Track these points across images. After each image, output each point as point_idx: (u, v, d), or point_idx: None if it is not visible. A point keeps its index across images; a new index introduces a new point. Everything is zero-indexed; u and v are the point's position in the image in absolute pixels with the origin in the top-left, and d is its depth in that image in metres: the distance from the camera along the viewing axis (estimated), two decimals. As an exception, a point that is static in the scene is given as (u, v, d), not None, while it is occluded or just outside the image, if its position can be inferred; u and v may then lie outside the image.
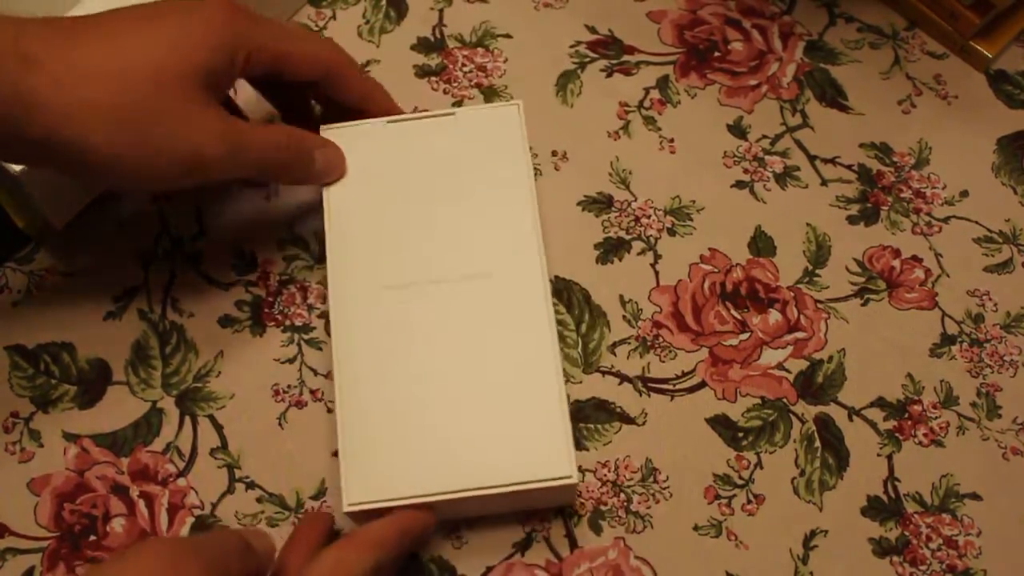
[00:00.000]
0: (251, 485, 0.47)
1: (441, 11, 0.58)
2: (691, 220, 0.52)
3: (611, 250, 0.51)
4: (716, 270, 0.51)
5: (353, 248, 0.45)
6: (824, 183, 0.53)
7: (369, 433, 0.41)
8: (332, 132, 0.47)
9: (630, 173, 0.53)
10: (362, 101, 0.46)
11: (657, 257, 0.51)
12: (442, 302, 0.43)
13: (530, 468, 0.40)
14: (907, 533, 0.46)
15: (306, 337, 0.49)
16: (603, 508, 0.46)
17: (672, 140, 0.54)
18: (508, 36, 0.57)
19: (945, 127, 0.55)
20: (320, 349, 0.49)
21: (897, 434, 0.48)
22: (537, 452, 0.40)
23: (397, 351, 0.43)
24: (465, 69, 0.56)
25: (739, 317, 0.50)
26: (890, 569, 0.45)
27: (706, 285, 0.51)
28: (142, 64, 0.38)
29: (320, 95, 0.48)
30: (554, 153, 0.54)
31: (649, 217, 0.52)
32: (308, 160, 0.44)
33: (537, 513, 0.46)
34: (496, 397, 0.41)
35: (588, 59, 0.56)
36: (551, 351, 0.42)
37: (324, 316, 0.50)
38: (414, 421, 0.41)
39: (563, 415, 0.41)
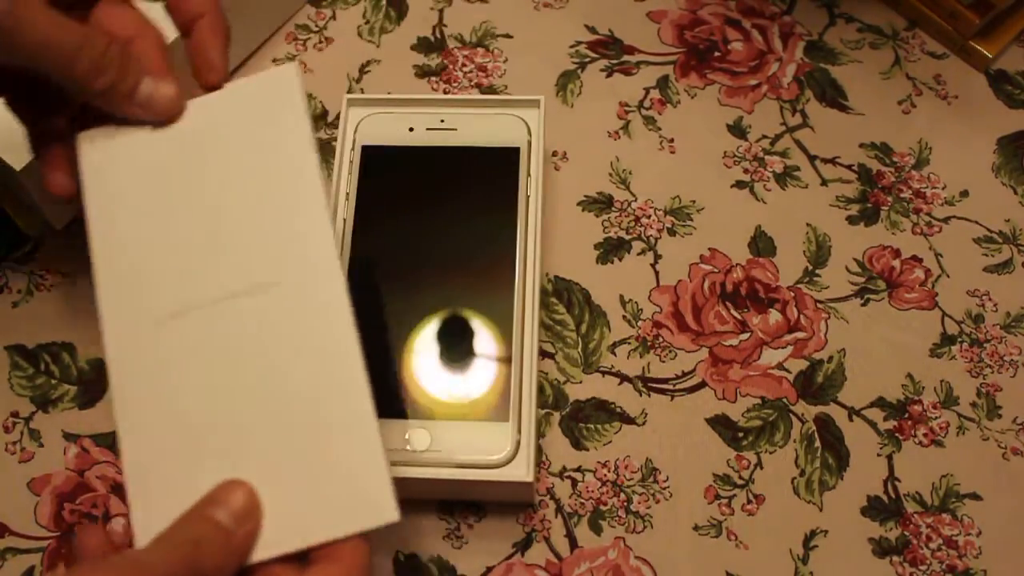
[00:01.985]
0: (251, 485, 0.46)
1: (441, 11, 0.58)
2: (691, 220, 0.52)
3: (611, 250, 0.51)
4: (716, 270, 0.51)
5: (123, 274, 0.37)
6: (824, 183, 0.53)
7: (164, 504, 0.34)
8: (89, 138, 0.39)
9: (630, 173, 0.53)
10: (194, 21, 0.38)
11: (657, 257, 0.51)
12: (232, 328, 0.36)
13: (344, 516, 0.34)
14: (907, 533, 0.46)
15: (306, 337, 0.49)
16: (603, 508, 0.46)
17: (672, 140, 0.54)
18: (508, 36, 0.57)
19: (945, 127, 0.55)
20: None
21: (897, 434, 0.48)
22: (353, 496, 0.34)
23: (190, 405, 0.35)
24: (465, 69, 0.56)
25: (739, 317, 0.50)
26: (890, 569, 0.45)
27: (706, 285, 0.51)
28: None
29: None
30: (554, 153, 0.54)
31: (649, 217, 0.52)
32: (132, 83, 0.37)
33: (537, 513, 0.46)
34: (303, 442, 0.35)
35: (588, 59, 0.56)
36: (358, 373, 0.35)
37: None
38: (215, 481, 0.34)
39: (378, 452, 0.34)
